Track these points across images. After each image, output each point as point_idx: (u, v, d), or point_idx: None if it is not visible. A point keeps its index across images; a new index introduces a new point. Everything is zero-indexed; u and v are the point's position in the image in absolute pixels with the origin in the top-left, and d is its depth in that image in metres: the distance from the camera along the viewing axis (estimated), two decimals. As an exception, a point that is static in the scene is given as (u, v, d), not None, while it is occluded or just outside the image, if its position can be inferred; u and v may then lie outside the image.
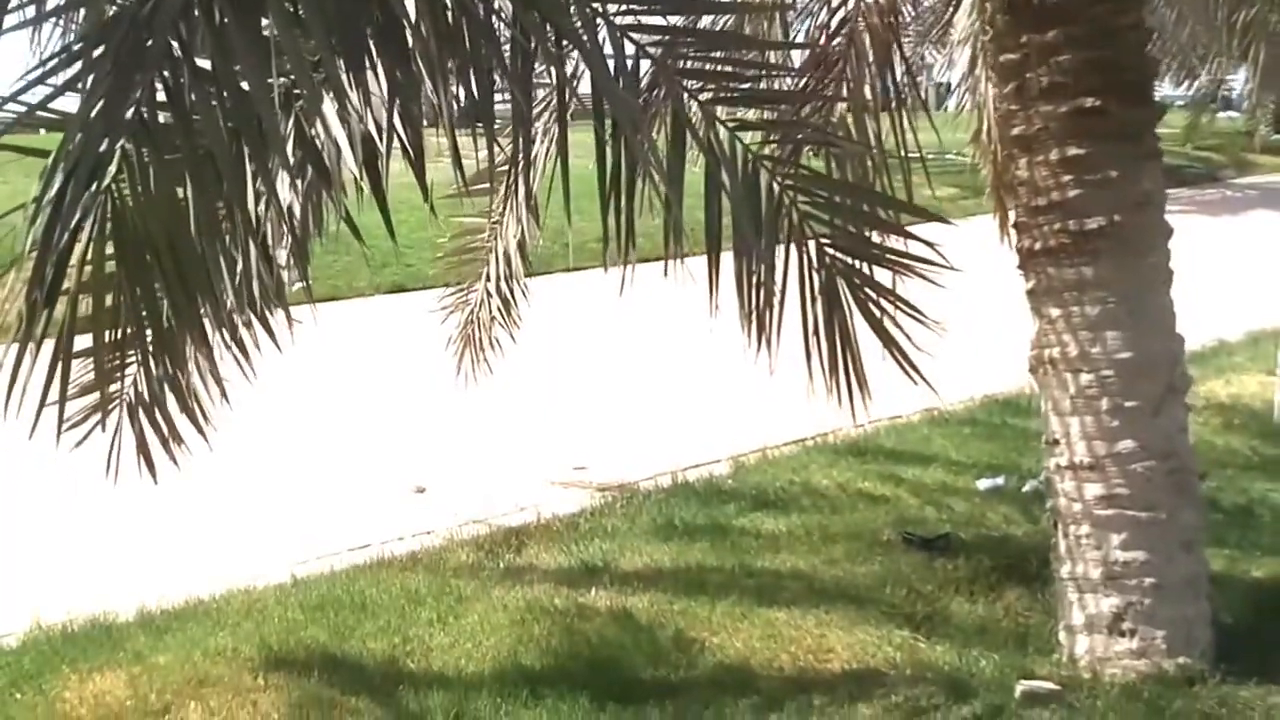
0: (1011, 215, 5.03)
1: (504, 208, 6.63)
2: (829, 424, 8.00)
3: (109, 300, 2.54)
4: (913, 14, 7.50)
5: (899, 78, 3.90)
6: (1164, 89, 12.62)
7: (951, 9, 6.70)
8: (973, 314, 8.08)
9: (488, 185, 6.77)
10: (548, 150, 6.24)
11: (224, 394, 4.69)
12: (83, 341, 3.37)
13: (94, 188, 2.30)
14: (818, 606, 5.12)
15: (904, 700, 4.35)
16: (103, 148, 2.28)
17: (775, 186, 3.52)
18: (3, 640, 5.23)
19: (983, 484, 6.70)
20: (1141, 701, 4.34)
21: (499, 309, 6.86)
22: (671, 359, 10.63)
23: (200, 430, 4.73)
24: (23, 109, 2.76)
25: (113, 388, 4.78)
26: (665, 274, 3.51)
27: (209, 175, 2.35)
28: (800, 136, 3.79)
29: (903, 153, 4.14)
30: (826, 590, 5.31)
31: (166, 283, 2.47)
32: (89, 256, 2.38)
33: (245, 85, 2.31)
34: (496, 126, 3.79)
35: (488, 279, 6.72)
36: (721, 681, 4.55)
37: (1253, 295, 11.94)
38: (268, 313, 3.69)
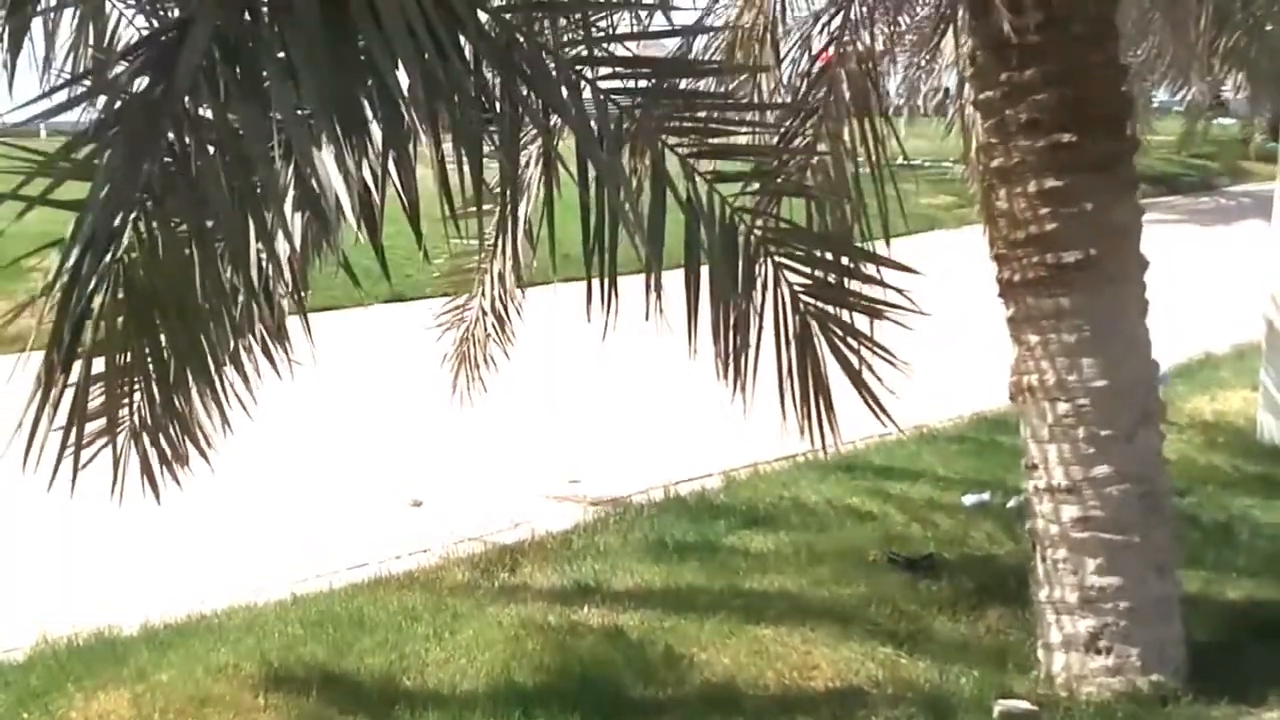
0: (993, 248, 5.16)
1: (497, 233, 6.78)
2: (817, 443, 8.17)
3: (118, 353, 2.67)
4: (909, 22, 7.63)
5: (878, 126, 4.03)
6: (1159, 95, 12.71)
7: (938, 36, 6.83)
8: (964, 324, 8.19)
9: (483, 208, 6.96)
10: (540, 176, 6.41)
11: (225, 421, 4.85)
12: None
13: (108, 259, 2.44)
14: (804, 624, 5.25)
15: (885, 720, 4.49)
16: (116, 222, 2.42)
17: (752, 238, 3.67)
18: (9, 655, 5.35)
19: (968, 500, 6.84)
20: (1116, 720, 4.48)
21: (493, 326, 7.00)
22: (665, 374, 10.74)
23: (202, 454, 4.88)
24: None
25: (119, 412, 4.93)
26: (646, 318, 3.64)
27: (212, 242, 2.49)
28: (777, 187, 3.93)
29: (879, 182, 4.27)
30: (813, 609, 5.45)
31: (173, 337, 2.61)
32: (103, 312, 2.51)
33: (247, 151, 2.45)
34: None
35: (482, 297, 6.87)
36: (709, 698, 4.70)
37: (1241, 306, 12.04)
38: (269, 345, 3.82)
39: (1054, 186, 4.80)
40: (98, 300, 2.46)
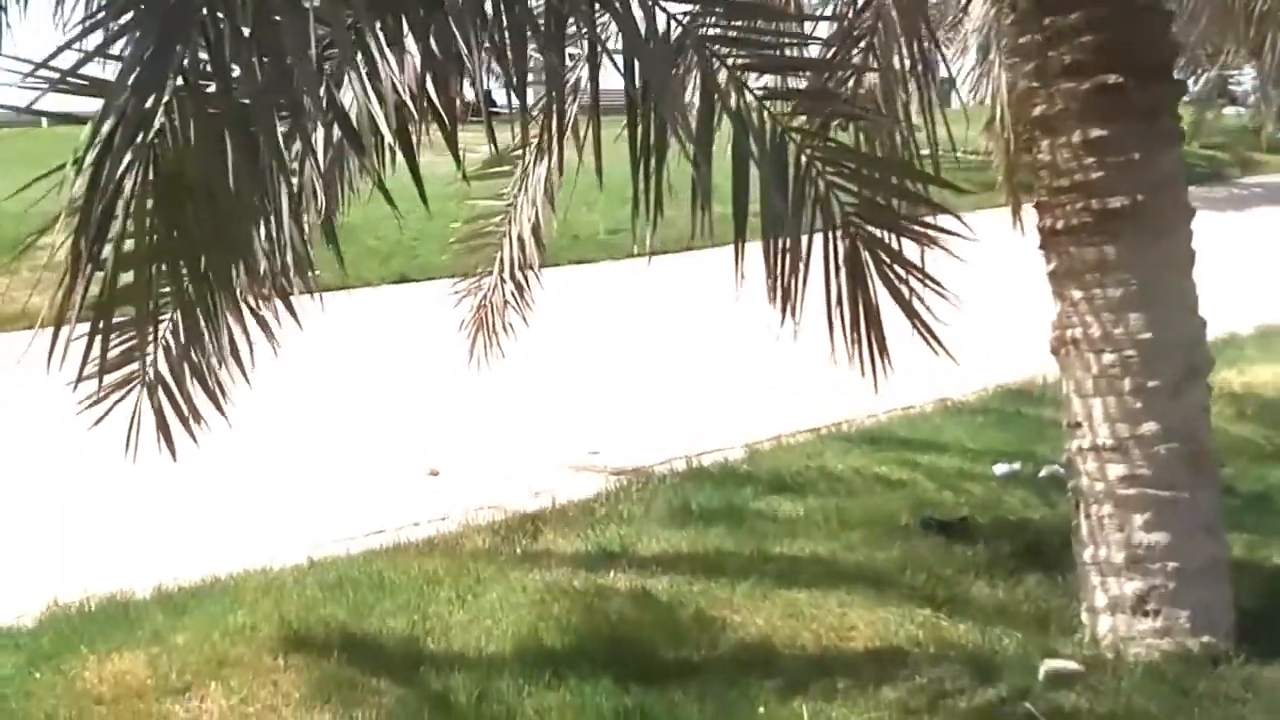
0: (1031, 197, 5.01)
1: (518, 191, 6.63)
2: (842, 413, 8.04)
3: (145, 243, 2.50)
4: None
5: (926, 51, 3.88)
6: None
7: (969, -1, 6.69)
8: (980, 304, 8.06)
9: (502, 169, 6.81)
10: (561, 134, 6.26)
11: (244, 372, 4.70)
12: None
13: (140, 139, 2.29)
14: (838, 587, 5.10)
15: (928, 682, 4.33)
16: (149, 103, 2.27)
17: (803, 158, 3.51)
18: (19, 622, 5.20)
19: (999, 469, 6.69)
20: (1166, 682, 4.32)
21: (512, 293, 6.86)
22: (681, 350, 10.65)
23: (220, 408, 4.74)
24: (54, 75, 2.77)
25: (133, 367, 4.79)
26: (692, 236, 3.48)
27: (247, 130, 2.35)
28: (828, 106, 3.78)
29: (930, 123, 4.12)
30: (846, 573, 5.30)
31: (205, 235, 2.47)
32: (131, 212, 2.36)
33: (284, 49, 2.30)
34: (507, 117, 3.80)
35: (501, 263, 6.72)
36: (744, 660, 4.54)
37: (1260, 291, 11.92)
38: (294, 282, 3.67)
39: (1098, 135, 4.65)
40: (128, 187, 2.30)
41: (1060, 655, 4.54)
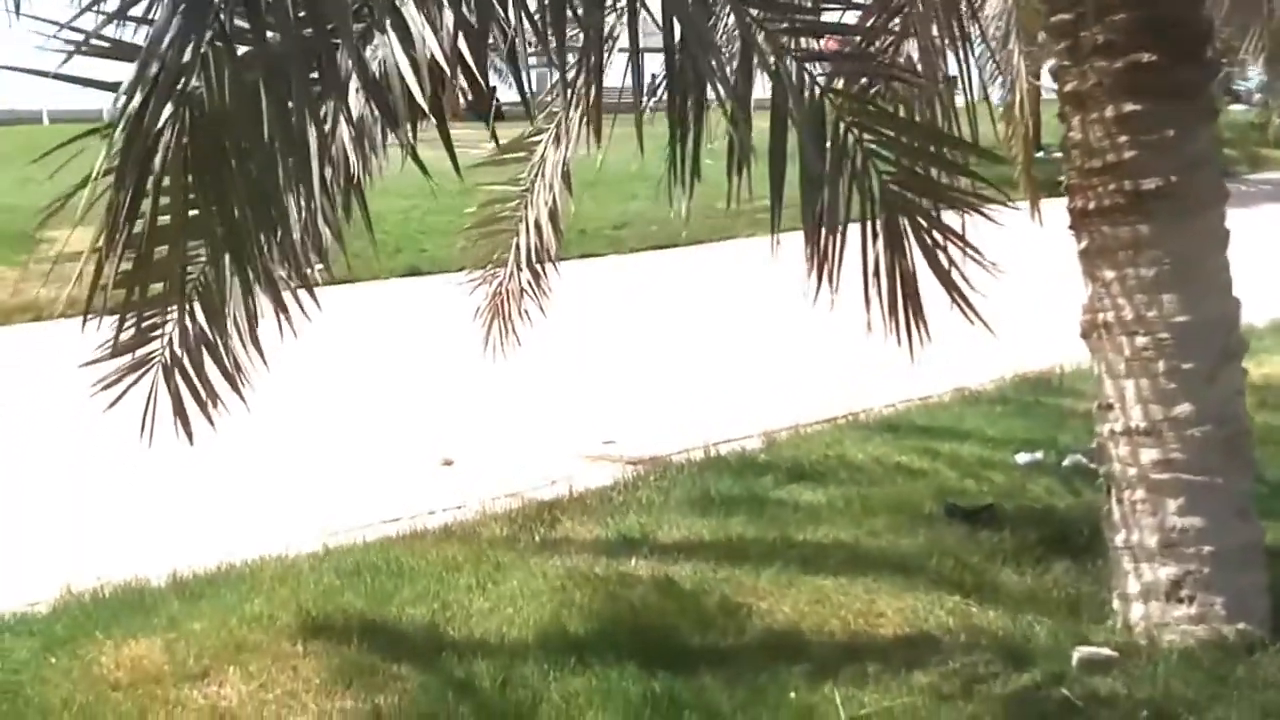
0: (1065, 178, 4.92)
1: (535, 176, 6.55)
2: (858, 403, 7.97)
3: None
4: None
5: (963, 21, 3.80)
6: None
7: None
8: (996, 297, 8.00)
9: (518, 154, 6.73)
10: (582, 117, 6.18)
11: (261, 353, 4.63)
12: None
13: (178, 90, 2.22)
14: (864, 574, 5.02)
15: (961, 667, 4.26)
16: (187, 54, 2.20)
17: (841, 124, 3.44)
18: (33, 609, 5.13)
19: (1021, 458, 6.60)
20: (1202, 669, 4.24)
21: (529, 281, 6.77)
22: (691, 340, 10.58)
23: (238, 391, 4.66)
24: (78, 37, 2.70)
25: (149, 348, 4.72)
26: (728, 204, 3.38)
27: (281, 87, 2.27)
28: (867, 70, 3.70)
29: (969, 93, 4.04)
30: (872, 560, 5.22)
31: (239, 190, 2.39)
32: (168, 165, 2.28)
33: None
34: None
35: (518, 249, 6.63)
36: (773, 647, 4.46)
37: (1273, 285, 11.83)
38: (319, 254, 3.60)
39: (1132, 111, 4.56)
40: (163, 144, 2.23)
41: (1092, 642, 4.46)
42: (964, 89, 3.98)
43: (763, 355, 9.81)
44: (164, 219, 2.41)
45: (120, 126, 2.25)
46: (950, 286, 3.84)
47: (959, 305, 3.88)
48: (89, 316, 2.58)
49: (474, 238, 7.01)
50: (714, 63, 2.97)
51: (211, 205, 2.42)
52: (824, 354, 9.53)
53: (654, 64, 4.22)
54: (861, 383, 8.40)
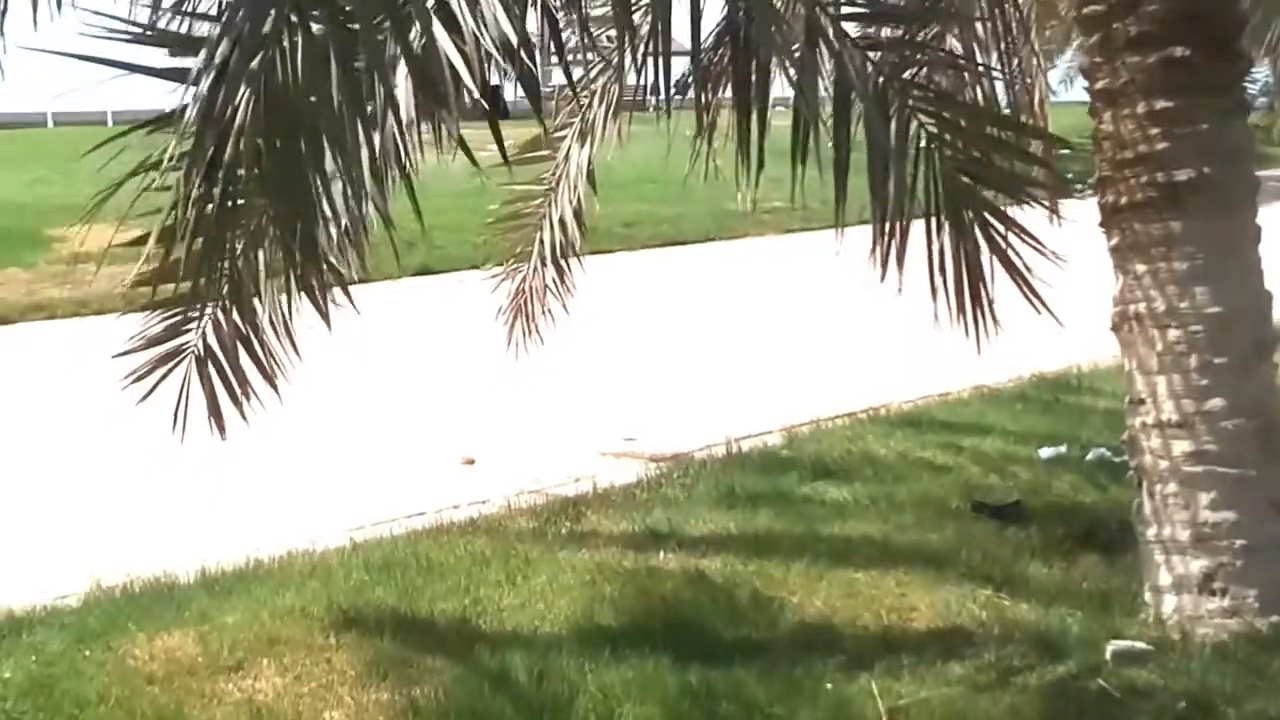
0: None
1: (559, 174, 6.56)
2: (875, 399, 7.98)
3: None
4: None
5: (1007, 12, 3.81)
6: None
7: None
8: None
9: (540, 153, 6.74)
10: (606, 113, 6.19)
11: (295, 348, 4.64)
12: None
13: (253, 65, 2.24)
14: (895, 568, 5.03)
15: (996, 659, 4.26)
16: (266, 26, 2.22)
17: (905, 110, 3.44)
18: (62, 602, 5.13)
19: (1045, 453, 6.61)
20: (1237, 661, 4.24)
21: (553, 279, 6.77)
22: (708, 337, 10.59)
23: (272, 384, 4.67)
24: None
25: (182, 339, 4.73)
26: (793, 186, 3.35)
27: (352, 59, 2.29)
28: (928, 57, 3.71)
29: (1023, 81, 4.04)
30: (901, 554, 5.22)
31: (309, 165, 2.41)
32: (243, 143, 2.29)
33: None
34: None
35: (542, 245, 6.63)
36: (806, 639, 4.47)
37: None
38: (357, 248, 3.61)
39: (1165, 107, 4.57)
40: (240, 113, 2.24)
41: (1125, 636, 4.46)
42: (1006, 78, 3.98)
43: (776, 352, 9.81)
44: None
45: (192, 112, 2.26)
46: (1016, 275, 3.84)
47: (1026, 295, 3.88)
48: (143, 309, 2.56)
49: (495, 233, 7.03)
50: (777, 33, 2.96)
51: (282, 188, 2.42)
52: (834, 352, 9.56)
53: (679, 65, 4.24)
54: (877, 380, 8.43)
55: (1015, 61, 4.13)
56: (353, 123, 2.32)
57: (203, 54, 2.26)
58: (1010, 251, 3.79)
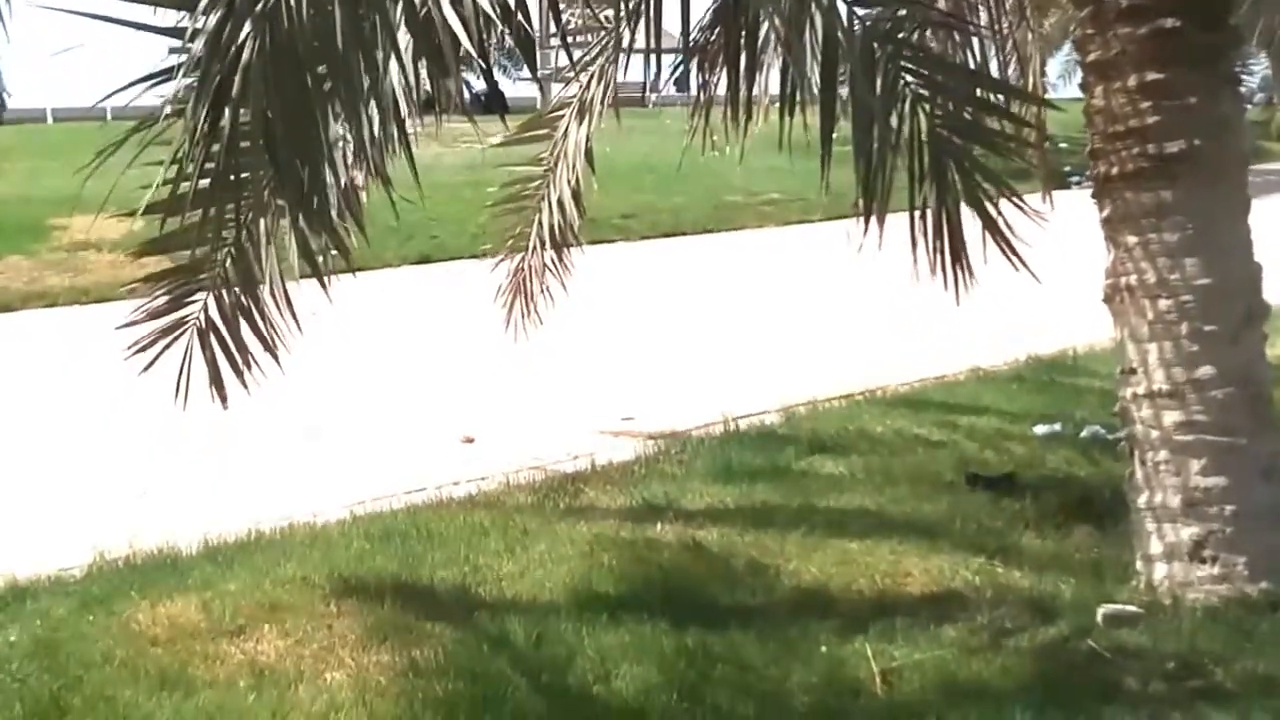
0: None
1: (558, 154, 6.61)
2: (872, 384, 8.04)
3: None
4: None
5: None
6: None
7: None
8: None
9: (539, 133, 6.79)
10: (604, 94, 6.24)
11: (295, 319, 4.69)
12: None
13: (259, 8, 2.28)
14: (889, 538, 5.08)
15: (988, 622, 4.32)
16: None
17: (890, 67, 3.50)
18: (67, 572, 5.18)
19: (1039, 430, 6.66)
20: (1226, 623, 4.30)
21: (551, 258, 6.83)
22: (706, 323, 10.64)
23: (274, 355, 4.73)
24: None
25: (184, 312, 4.78)
26: (779, 145, 3.42)
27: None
28: (916, 14, 3.76)
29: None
30: (896, 524, 5.28)
31: (315, 109, 2.45)
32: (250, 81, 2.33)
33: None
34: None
35: (540, 226, 6.68)
36: (801, 604, 4.53)
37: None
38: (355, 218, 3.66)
39: (1156, 79, 4.62)
40: (246, 53, 2.29)
41: (1117, 601, 4.51)
42: (995, 39, 4.04)
43: (774, 340, 9.86)
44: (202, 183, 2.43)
45: (199, 46, 2.30)
46: (993, 228, 3.90)
47: (1003, 249, 3.94)
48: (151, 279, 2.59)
49: (496, 215, 7.07)
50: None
51: (289, 124, 2.46)
52: (834, 339, 9.63)
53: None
54: (874, 365, 8.49)
55: (1006, 24, 4.17)
56: (357, 64, 2.36)
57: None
58: (993, 210, 3.84)
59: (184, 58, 2.53)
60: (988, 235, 4.00)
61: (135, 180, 3.10)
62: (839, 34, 3.18)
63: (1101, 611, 4.39)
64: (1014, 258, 3.99)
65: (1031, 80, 8.22)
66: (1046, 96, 9.52)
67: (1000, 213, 3.92)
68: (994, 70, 3.95)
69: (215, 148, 2.37)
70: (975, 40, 3.91)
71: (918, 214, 3.89)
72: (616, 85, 6.14)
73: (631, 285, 12.72)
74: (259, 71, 2.26)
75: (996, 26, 3.88)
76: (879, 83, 3.44)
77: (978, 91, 3.80)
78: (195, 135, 2.35)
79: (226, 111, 2.32)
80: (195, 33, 2.30)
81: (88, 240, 13.60)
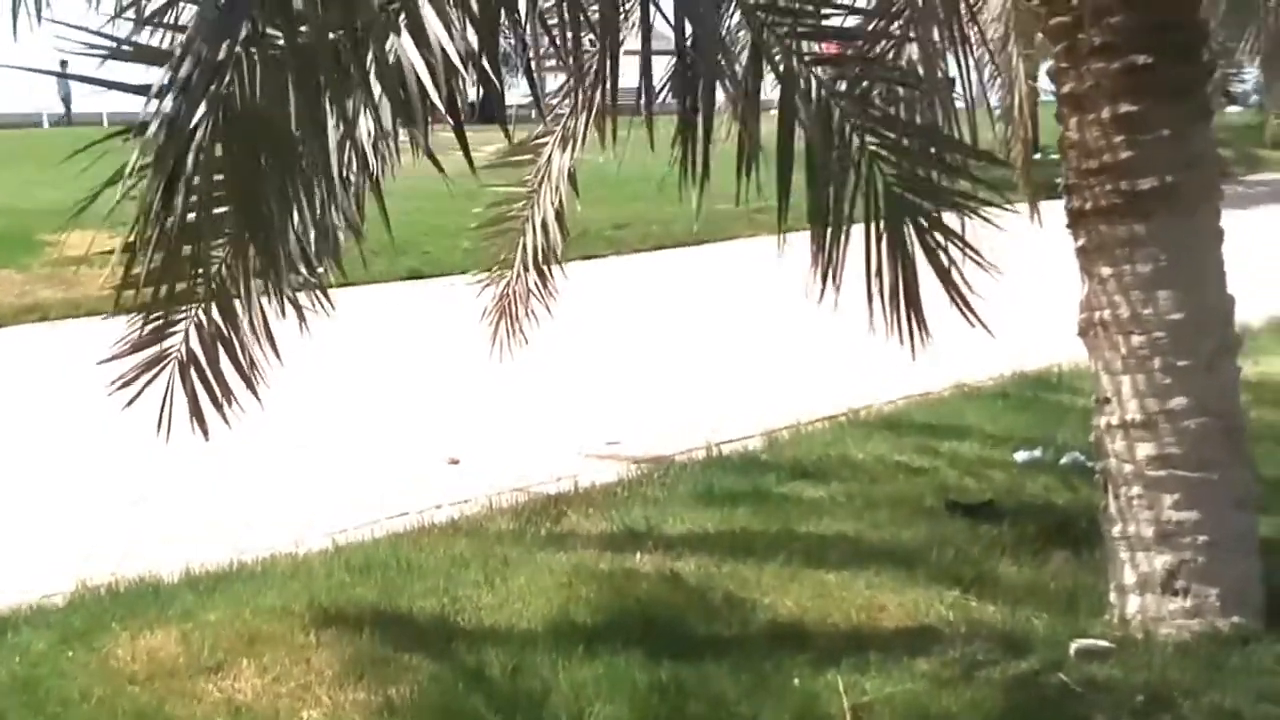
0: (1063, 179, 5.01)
1: (541, 177, 6.64)
2: (859, 400, 8.07)
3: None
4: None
5: (963, 25, 3.89)
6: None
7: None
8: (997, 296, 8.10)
9: (523, 158, 6.83)
10: (587, 122, 6.27)
11: (276, 352, 4.72)
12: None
13: (214, 88, 2.31)
14: (866, 568, 5.11)
15: (960, 656, 4.35)
16: (223, 51, 2.30)
17: (847, 126, 3.54)
18: (48, 600, 5.21)
19: (1020, 456, 6.69)
20: (1198, 659, 4.32)
21: (535, 282, 6.86)
22: (693, 342, 10.67)
23: (253, 389, 4.76)
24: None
25: (166, 344, 4.81)
26: (736, 203, 3.46)
27: (311, 80, 2.37)
28: (873, 73, 3.80)
29: (969, 97, 4.15)
30: (874, 553, 5.31)
31: (268, 190, 2.48)
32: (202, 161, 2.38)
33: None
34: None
35: (524, 249, 6.71)
36: (777, 638, 4.55)
37: (1270, 285, 11.93)
38: (333, 254, 3.69)
39: (1128, 112, 4.66)
40: (200, 133, 2.32)
41: (1090, 635, 4.54)
42: (964, 91, 4.08)
43: (764, 355, 9.90)
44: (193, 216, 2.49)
45: (154, 127, 2.34)
46: (951, 287, 3.94)
47: (958, 306, 3.98)
48: (118, 313, 2.65)
49: (481, 239, 7.11)
50: (724, 61, 3.06)
51: (241, 203, 2.50)
52: (824, 353, 9.65)
53: (660, 67, 4.31)
54: (862, 380, 8.51)
55: (973, 76, 4.20)
56: (311, 143, 2.40)
57: (166, 71, 2.34)
58: (948, 263, 3.88)
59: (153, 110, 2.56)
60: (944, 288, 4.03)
61: (117, 195, 3.11)
62: (796, 99, 3.21)
63: (1074, 646, 4.42)
64: (971, 315, 4.02)
65: (1017, 98, 8.30)
66: (1036, 98, 9.58)
67: (960, 270, 3.95)
68: (965, 115, 3.98)
69: (170, 222, 2.41)
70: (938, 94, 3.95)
71: (874, 270, 3.92)
72: (603, 110, 6.17)
73: (622, 302, 12.76)
74: (211, 153, 2.30)
75: (966, 80, 3.91)
76: (836, 145, 3.48)
77: (933, 150, 3.82)
78: (150, 214, 2.39)
79: (180, 191, 2.36)
80: (152, 108, 2.34)
81: (78, 255, 13.61)
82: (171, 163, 2.31)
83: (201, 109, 2.30)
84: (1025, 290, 8.69)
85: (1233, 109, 23.53)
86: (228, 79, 2.31)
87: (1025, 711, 4.03)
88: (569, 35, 3.06)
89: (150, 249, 2.52)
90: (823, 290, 3.75)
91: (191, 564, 5.50)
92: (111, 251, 3.39)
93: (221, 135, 2.34)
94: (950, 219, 3.90)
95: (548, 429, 8.02)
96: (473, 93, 3.51)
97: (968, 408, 7.86)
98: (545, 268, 6.72)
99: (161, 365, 4.80)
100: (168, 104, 2.33)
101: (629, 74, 3.68)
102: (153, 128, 2.36)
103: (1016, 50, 7.80)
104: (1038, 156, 10.06)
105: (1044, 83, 7.95)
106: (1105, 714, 4.01)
